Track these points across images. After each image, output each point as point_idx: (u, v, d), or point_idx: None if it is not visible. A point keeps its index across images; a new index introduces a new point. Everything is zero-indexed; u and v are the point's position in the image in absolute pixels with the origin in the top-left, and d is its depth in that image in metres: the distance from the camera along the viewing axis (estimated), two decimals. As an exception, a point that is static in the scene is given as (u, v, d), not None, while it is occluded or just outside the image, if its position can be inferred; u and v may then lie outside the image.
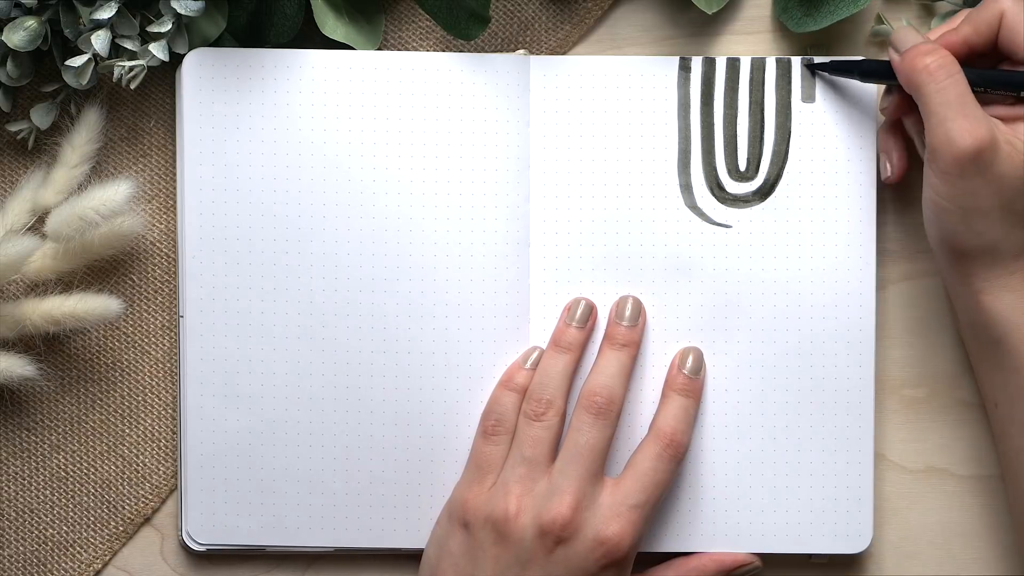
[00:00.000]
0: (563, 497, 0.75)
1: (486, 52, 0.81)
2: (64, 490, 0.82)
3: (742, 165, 0.81)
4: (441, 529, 0.79)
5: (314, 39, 0.80)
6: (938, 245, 0.75)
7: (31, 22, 0.76)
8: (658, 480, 0.77)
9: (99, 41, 0.76)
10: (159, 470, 0.82)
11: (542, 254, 0.80)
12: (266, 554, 0.82)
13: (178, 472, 0.81)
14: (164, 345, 0.82)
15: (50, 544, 0.82)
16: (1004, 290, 0.74)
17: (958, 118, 0.71)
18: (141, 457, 0.82)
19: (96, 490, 0.82)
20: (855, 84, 0.80)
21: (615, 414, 0.77)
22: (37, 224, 0.80)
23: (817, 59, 0.80)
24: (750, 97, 0.81)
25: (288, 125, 0.80)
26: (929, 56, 0.73)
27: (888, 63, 0.76)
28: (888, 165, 0.79)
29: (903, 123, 0.78)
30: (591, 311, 0.80)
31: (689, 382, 0.79)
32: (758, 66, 0.80)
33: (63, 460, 0.82)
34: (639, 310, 0.80)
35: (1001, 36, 0.74)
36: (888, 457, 0.82)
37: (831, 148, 0.80)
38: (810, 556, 0.81)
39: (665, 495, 0.79)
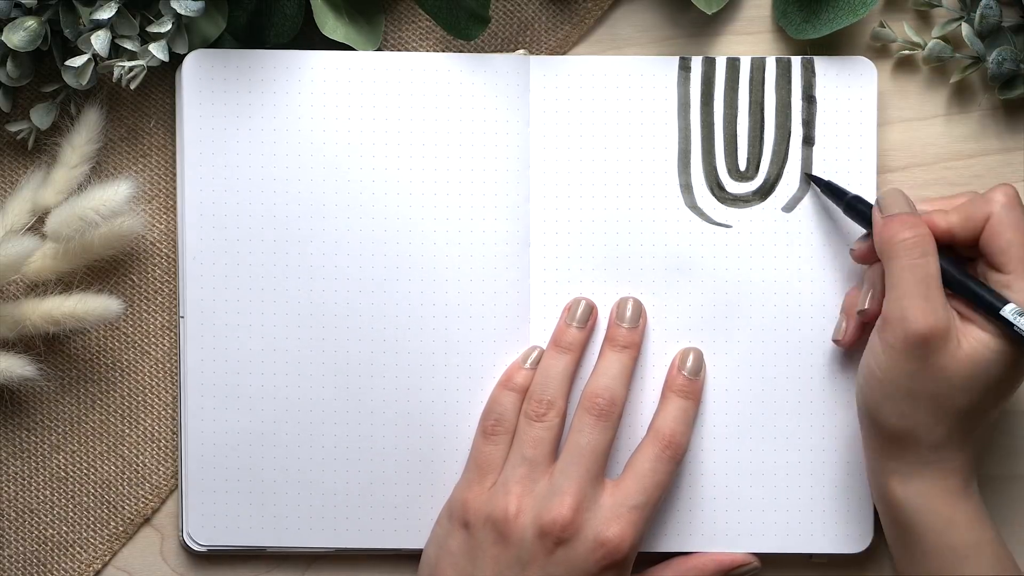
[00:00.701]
0: (564, 498, 0.75)
1: (486, 52, 0.81)
2: (64, 490, 0.82)
3: (742, 165, 0.81)
4: (441, 529, 0.79)
5: (314, 39, 0.80)
6: (861, 413, 0.76)
7: (31, 22, 0.76)
8: (658, 481, 0.77)
9: (99, 41, 0.76)
10: (159, 470, 0.82)
11: (542, 254, 0.80)
12: (266, 554, 0.82)
13: (178, 472, 0.81)
14: (164, 345, 0.82)
15: (50, 544, 0.82)
16: (913, 478, 0.74)
17: (918, 298, 0.72)
18: (141, 457, 0.82)
19: (96, 490, 0.82)
20: (855, 80, 0.80)
21: (616, 416, 0.77)
22: (37, 224, 0.80)
23: (817, 173, 0.80)
24: (750, 97, 0.81)
25: (288, 126, 0.80)
26: (909, 230, 0.73)
27: (861, 199, 0.78)
28: (843, 327, 0.79)
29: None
30: (591, 311, 0.80)
31: (689, 383, 0.79)
32: (758, 66, 0.81)
33: (63, 460, 0.82)
34: (640, 311, 0.80)
35: (983, 236, 0.74)
36: (888, 457, 0.82)
37: (831, 148, 0.80)
38: (810, 556, 0.81)
39: (665, 496, 0.79)
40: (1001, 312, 0.72)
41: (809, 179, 0.80)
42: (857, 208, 0.78)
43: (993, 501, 0.82)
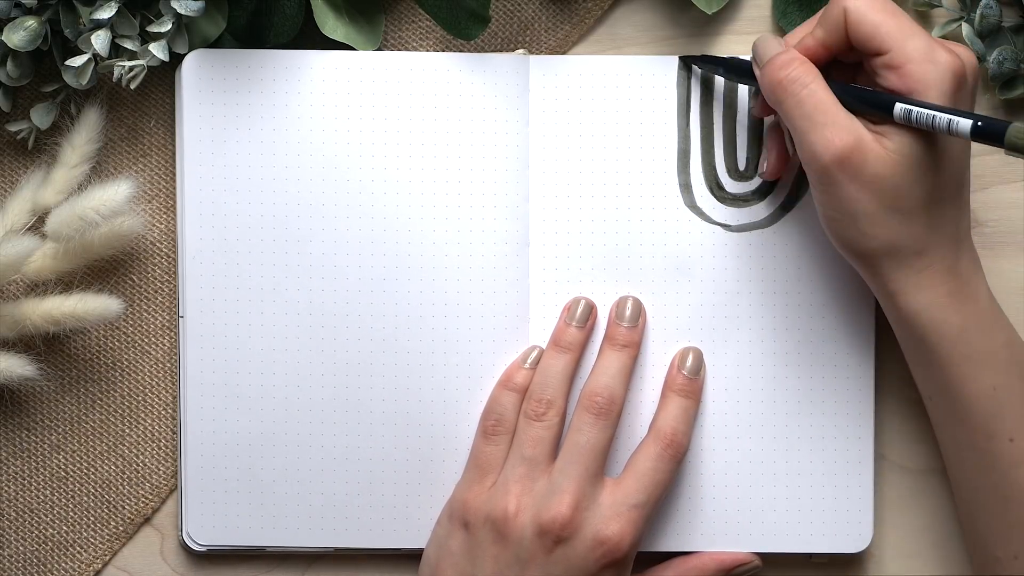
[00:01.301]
0: (563, 497, 0.75)
1: (486, 52, 0.82)
2: (64, 490, 0.82)
3: (742, 165, 0.81)
4: (441, 529, 0.79)
5: (314, 39, 0.80)
6: (842, 253, 0.75)
7: (31, 22, 0.76)
8: (658, 480, 0.77)
9: (99, 41, 0.76)
10: (159, 470, 0.82)
11: (542, 254, 0.80)
12: (266, 554, 0.82)
13: (178, 472, 0.81)
14: (164, 345, 0.82)
15: (50, 544, 0.82)
16: (916, 289, 0.73)
17: (817, 128, 0.71)
18: (141, 457, 0.82)
19: (96, 490, 0.82)
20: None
21: (616, 414, 0.77)
22: (37, 224, 0.80)
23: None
24: (750, 97, 0.81)
25: (288, 125, 0.80)
26: (784, 69, 0.73)
27: (744, 61, 0.78)
28: (765, 163, 0.79)
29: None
30: (591, 310, 0.80)
31: (689, 382, 0.79)
32: (758, 66, 0.80)
33: (63, 460, 0.82)
34: (639, 310, 0.80)
35: (850, 33, 0.72)
36: (888, 457, 0.82)
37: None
38: (810, 556, 0.81)
39: (665, 495, 0.79)
40: (894, 116, 0.70)
41: (688, 63, 0.80)
42: (739, 69, 0.78)
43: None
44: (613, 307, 0.80)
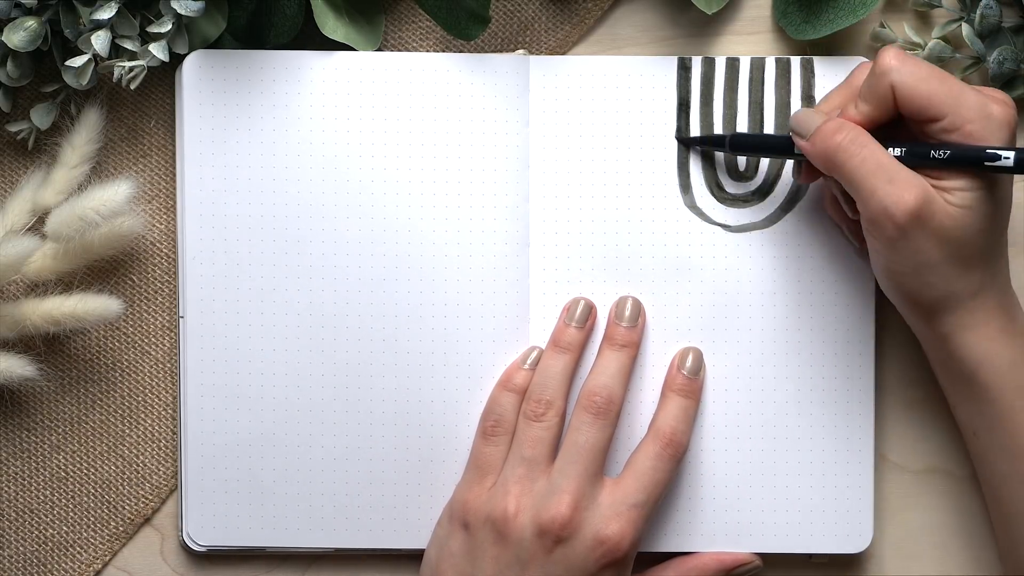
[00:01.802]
0: (562, 496, 0.75)
1: (486, 52, 0.82)
2: (64, 490, 0.82)
3: (741, 165, 0.81)
4: (442, 530, 0.79)
5: (314, 39, 0.80)
6: (898, 302, 0.76)
7: (31, 22, 0.76)
8: (658, 480, 0.77)
9: (99, 41, 0.76)
10: (159, 470, 0.82)
11: (542, 254, 0.80)
12: (266, 554, 0.82)
13: (178, 472, 0.81)
14: (164, 345, 0.82)
15: (50, 544, 0.82)
16: (967, 330, 0.74)
17: (886, 185, 0.72)
18: (141, 457, 0.82)
19: (96, 490, 0.82)
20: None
21: (615, 414, 0.77)
22: (37, 224, 0.80)
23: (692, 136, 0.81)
24: (749, 97, 0.81)
25: (288, 126, 0.80)
26: (839, 134, 0.73)
27: (750, 135, 0.79)
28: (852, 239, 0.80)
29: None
30: (590, 311, 0.80)
31: (688, 382, 0.79)
32: (757, 66, 0.81)
33: (63, 460, 0.82)
34: (639, 310, 0.80)
35: (901, 105, 0.73)
36: (888, 457, 0.82)
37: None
38: (810, 556, 0.81)
39: (665, 495, 0.79)
40: (986, 163, 0.72)
41: (686, 144, 0.80)
42: (744, 145, 0.78)
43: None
44: (613, 307, 0.80)
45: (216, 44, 0.80)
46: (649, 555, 0.80)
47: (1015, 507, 0.76)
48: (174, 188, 0.82)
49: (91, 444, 0.82)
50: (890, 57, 0.73)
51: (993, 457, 0.76)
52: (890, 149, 0.73)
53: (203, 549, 0.81)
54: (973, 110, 0.72)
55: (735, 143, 0.79)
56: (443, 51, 0.82)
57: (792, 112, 0.79)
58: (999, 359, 0.74)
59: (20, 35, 0.76)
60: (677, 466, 0.78)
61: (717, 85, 0.81)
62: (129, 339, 0.82)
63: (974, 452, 0.78)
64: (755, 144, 0.79)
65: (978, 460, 0.77)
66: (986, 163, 0.72)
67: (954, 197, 0.72)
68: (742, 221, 0.81)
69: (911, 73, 0.73)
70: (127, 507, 0.82)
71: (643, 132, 0.80)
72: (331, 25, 0.79)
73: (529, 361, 0.79)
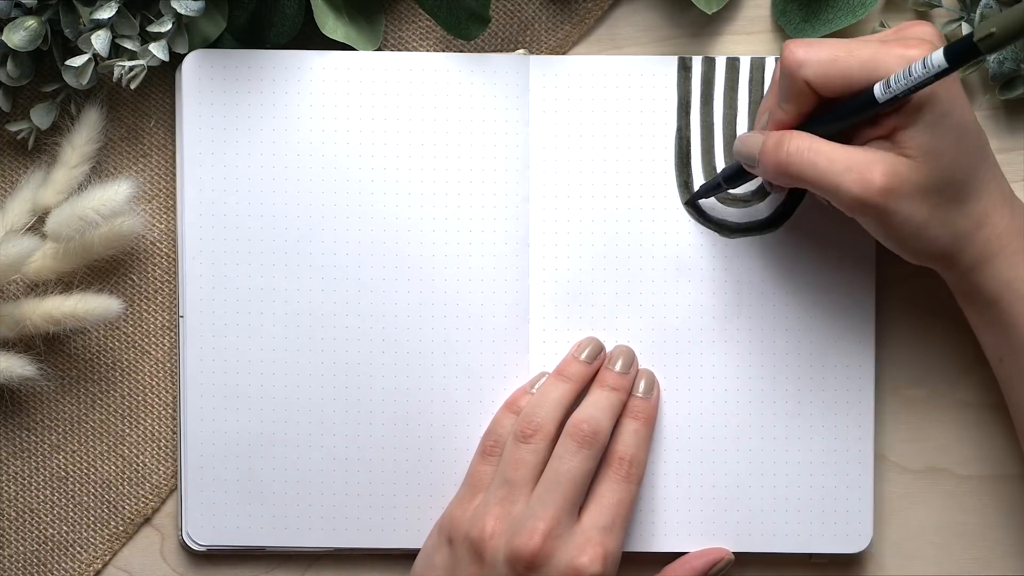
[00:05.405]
0: (536, 524, 0.74)
1: (486, 52, 0.82)
2: (64, 490, 0.82)
3: (742, 165, 0.81)
4: (431, 542, 0.79)
5: (314, 39, 0.80)
6: (916, 260, 0.75)
7: (31, 22, 0.76)
8: (620, 499, 0.76)
9: (99, 41, 0.76)
10: (159, 470, 0.82)
11: (541, 254, 0.80)
12: (266, 554, 0.82)
13: (178, 472, 0.81)
14: (164, 345, 0.82)
15: (50, 544, 0.82)
16: (984, 262, 0.74)
17: (847, 175, 0.71)
18: (141, 457, 0.82)
19: (96, 490, 0.82)
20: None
21: (599, 447, 0.77)
22: (37, 224, 0.80)
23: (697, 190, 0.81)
24: (750, 97, 0.81)
25: (288, 126, 0.80)
26: (780, 148, 0.73)
27: (730, 168, 0.78)
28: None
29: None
30: (600, 352, 0.80)
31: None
32: (757, 66, 0.81)
33: (63, 460, 0.82)
34: (631, 360, 0.80)
35: (823, 94, 0.72)
36: (888, 457, 0.82)
37: (831, 148, 0.80)
38: (810, 556, 0.81)
39: (632, 512, 0.78)
40: (877, 98, 0.70)
41: (692, 206, 0.80)
42: (733, 177, 0.78)
43: (994, 501, 0.82)
44: (607, 353, 0.80)
45: (216, 44, 0.80)
46: (650, 555, 0.80)
47: None
48: (174, 188, 0.82)
49: (91, 444, 0.82)
50: (792, 53, 0.72)
51: (1019, 381, 0.76)
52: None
53: (203, 549, 0.81)
54: (895, 66, 0.71)
55: (726, 178, 0.78)
56: (443, 51, 0.82)
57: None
58: (1020, 283, 0.74)
59: (20, 35, 0.76)
60: (636, 485, 0.77)
61: (717, 85, 0.81)
62: (129, 339, 0.82)
63: (1001, 378, 0.77)
64: (738, 171, 0.78)
65: (1005, 385, 0.77)
66: (876, 95, 0.70)
67: (910, 146, 0.71)
68: (742, 221, 0.81)
69: (818, 62, 0.71)
70: (127, 507, 0.82)
71: (643, 132, 0.80)
72: (331, 25, 0.79)
73: (537, 386, 0.79)
